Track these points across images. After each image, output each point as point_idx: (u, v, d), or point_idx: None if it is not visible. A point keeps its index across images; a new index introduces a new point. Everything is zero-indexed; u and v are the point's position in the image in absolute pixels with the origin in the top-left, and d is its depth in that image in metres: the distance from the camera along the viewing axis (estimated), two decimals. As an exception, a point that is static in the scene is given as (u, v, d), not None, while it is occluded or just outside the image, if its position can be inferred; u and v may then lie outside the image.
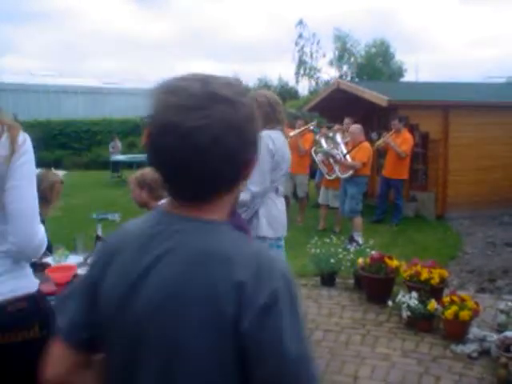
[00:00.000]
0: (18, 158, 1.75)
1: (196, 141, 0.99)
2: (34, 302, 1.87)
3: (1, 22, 62.00)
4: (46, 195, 3.29)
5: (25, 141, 1.79)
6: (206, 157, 1.00)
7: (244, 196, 3.55)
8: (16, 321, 1.79)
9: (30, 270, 1.94)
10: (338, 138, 8.12)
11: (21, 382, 1.83)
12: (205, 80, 1.03)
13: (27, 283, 1.88)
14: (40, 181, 1.86)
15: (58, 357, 1.17)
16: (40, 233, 1.86)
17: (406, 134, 8.78)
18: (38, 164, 1.93)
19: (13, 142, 1.74)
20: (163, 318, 1.02)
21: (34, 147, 1.86)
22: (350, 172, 7.46)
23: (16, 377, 1.82)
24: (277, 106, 3.67)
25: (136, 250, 1.09)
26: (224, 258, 1.02)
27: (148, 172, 3.80)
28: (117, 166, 15.54)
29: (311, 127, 9.17)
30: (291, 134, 8.57)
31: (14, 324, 1.79)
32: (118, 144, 16.42)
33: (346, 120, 8.97)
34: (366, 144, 7.67)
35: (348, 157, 7.67)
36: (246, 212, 3.55)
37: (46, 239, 1.91)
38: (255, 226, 3.58)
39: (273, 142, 3.60)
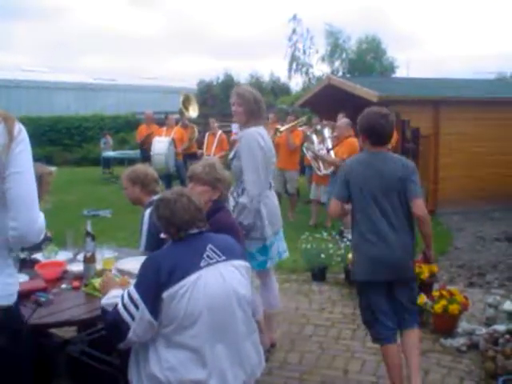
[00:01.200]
0: (16, 146, 1.79)
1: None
2: (9, 314, 1.87)
3: (-9, 17, 61.50)
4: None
5: (20, 130, 1.82)
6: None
7: (243, 199, 3.57)
8: None
9: (14, 279, 1.95)
10: (326, 132, 8.10)
11: None
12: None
13: (8, 294, 1.89)
14: None
15: (335, 205, 3.28)
16: (40, 218, 1.89)
17: (297, 131, 8.91)
18: None
19: (10, 131, 1.77)
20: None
21: None
22: (332, 168, 7.41)
23: None
24: (261, 102, 3.70)
25: (365, 166, 3.21)
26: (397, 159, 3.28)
27: (139, 168, 3.80)
28: (108, 163, 15.48)
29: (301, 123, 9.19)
30: (282, 128, 8.58)
31: None
32: (110, 140, 16.35)
33: (340, 115, 8.95)
34: (351, 140, 7.48)
35: (332, 152, 7.60)
36: (247, 214, 3.56)
37: (44, 225, 1.93)
38: (260, 228, 3.62)
39: (262, 138, 3.62)
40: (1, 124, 1.77)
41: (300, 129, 9.08)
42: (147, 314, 2.20)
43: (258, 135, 3.60)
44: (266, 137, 3.72)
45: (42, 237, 1.94)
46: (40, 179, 3.69)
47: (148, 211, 3.48)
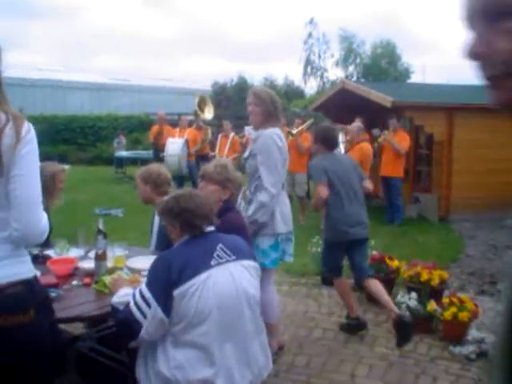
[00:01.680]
0: (23, 147, 1.79)
1: None
2: (31, 287, 1.89)
3: (9, 17, 62.15)
4: (47, 187, 3.30)
5: (29, 130, 1.83)
6: None
7: (263, 197, 3.57)
8: (11, 305, 1.82)
9: (28, 258, 1.97)
10: (340, 137, 8.08)
11: (6, 367, 1.85)
12: None
13: (24, 269, 1.91)
14: (40, 173, 1.89)
15: (324, 188, 4.16)
16: (43, 220, 1.90)
17: (403, 133, 8.95)
18: (43, 158, 1.97)
19: (18, 131, 1.77)
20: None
21: (39, 141, 1.89)
22: None
23: (3, 360, 1.83)
24: (277, 104, 3.71)
25: (333, 162, 4.28)
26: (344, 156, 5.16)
27: (153, 168, 3.81)
28: (121, 162, 15.57)
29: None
30: (294, 131, 8.60)
31: (9, 308, 1.81)
32: (123, 140, 16.44)
33: (357, 120, 8.89)
34: (362, 145, 7.45)
35: None
36: (264, 213, 3.57)
37: (48, 226, 1.94)
38: (271, 224, 3.63)
39: (280, 139, 3.65)
40: (10, 123, 1.77)
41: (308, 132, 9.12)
42: (160, 312, 2.22)
43: (276, 135, 3.61)
44: (283, 138, 3.74)
45: (44, 237, 1.95)
46: (53, 177, 3.74)
47: None
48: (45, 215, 1.93)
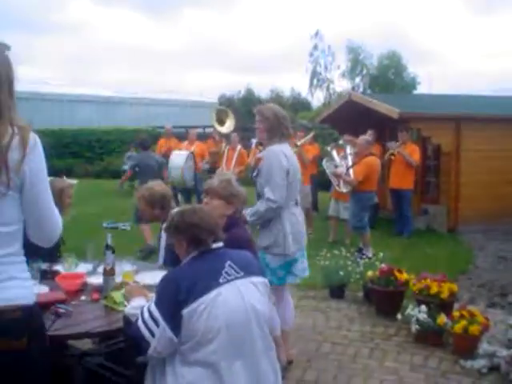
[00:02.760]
0: (31, 160, 1.81)
1: None
2: (29, 314, 1.87)
3: (18, 32, 62.82)
4: (55, 203, 3.30)
5: (35, 143, 1.83)
6: None
7: (260, 206, 3.58)
8: (6, 330, 1.79)
9: (30, 282, 1.96)
10: (348, 149, 8.07)
11: None
12: None
13: (25, 294, 1.89)
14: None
15: None
16: (58, 227, 1.96)
17: (413, 145, 8.95)
18: (50, 172, 1.97)
19: (24, 145, 1.78)
20: None
21: (47, 155, 1.90)
22: (349, 187, 7.40)
23: None
24: (283, 120, 3.71)
25: None
26: None
27: (156, 190, 3.76)
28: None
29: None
30: (299, 143, 8.61)
31: (3, 332, 1.79)
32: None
33: (369, 132, 8.79)
34: (369, 159, 7.38)
35: (351, 171, 7.54)
36: (258, 219, 3.60)
37: (61, 224, 1.99)
38: (282, 244, 3.62)
39: (286, 158, 3.64)
40: (17, 136, 1.77)
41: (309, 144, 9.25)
42: (168, 331, 2.21)
43: (281, 153, 3.62)
44: (290, 154, 3.74)
45: (56, 239, 2.01)
46: (61, 193, 3.75)
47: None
48: (59, 218, 1.97)
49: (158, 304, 2.27)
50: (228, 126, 10.27)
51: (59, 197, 3.67)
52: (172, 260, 3.13)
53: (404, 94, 20.24)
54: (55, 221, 1.95)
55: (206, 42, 73.03)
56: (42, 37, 75.22)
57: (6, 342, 1.79)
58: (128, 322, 2.41)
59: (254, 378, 2.33)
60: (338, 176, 7.72)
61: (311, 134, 9.47)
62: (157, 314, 2.24)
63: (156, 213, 3.70)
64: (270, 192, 3.57)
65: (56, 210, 1.96)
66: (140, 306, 2.40)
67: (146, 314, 2.28)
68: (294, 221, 3.73)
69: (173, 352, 2.27)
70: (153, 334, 2.23)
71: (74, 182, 4.06)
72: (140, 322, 2.28)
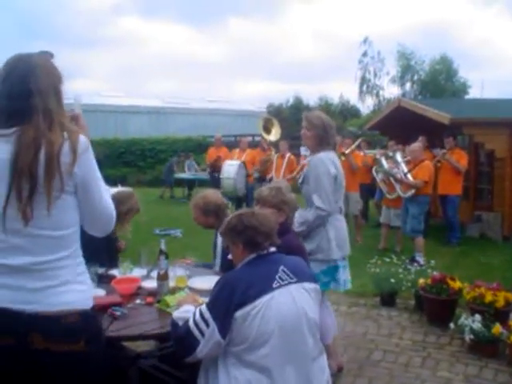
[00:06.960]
0: (82, 162, 1.85)
1: None
2: (85, 318, 1.90)
3: (73, 47, 65.17)
4: (120, 217, 3.42)
5: (86, 147, 1.87)
6: None
7: (309, 215, 3.60)
8: (63, 334, 1.84)
9: (87, 286, 1.99)
10: (399, 157, 8.05)
11: None
12: None
13: (81, 298, 1.91)
14: (119, 202, 1.97)
15: None
16: (112, 220, 2.02)
17: (460, 151, 8.82)
18: (104, 181, 2.03)
19: (74, 149, 1.81)
20: None
21: (101, 164, 1.98)
22: (412, 191, 7.36)
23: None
24: (330, 129, 3.73)
25: None
26: None
27: (210, 199, 3.85)
28: (180, 184, 15.89)
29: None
30: (347, 151, 8.64)
31: (62, 336, 1.84)
32: (194, 163, 16.64)
33: (420, 138, 8.75)
34: (427, 163, 7.54)
35: (409, 176, 7.56)
36: (305, 228, 3.61)
37: (115, 218, 2.04)
38: (326, 250, 3.63)
39: (334, 166, 3.66)
40: (67, 141, 1.81)
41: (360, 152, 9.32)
42: (217, 333, 2.25)
43: (328, 160, 3.63)
44: (337, 161, 3.75)
45: (110, 230, 2.06)
46: (128, 212, 3.87)
47: None
48: (112, 208, 2.01)
49: (210, 306, 2.33)
50: (274, 133, 10.37)
51: (125, 214, 3.78)
52: (229, 266, 3.19)
53: (455, 99, 19.79)
54: (110, 215, 2.00)
55: (252, 50, 73.74)
56: (94, 51, 77.66)
57: (63, 344, 1.84)
58: (175, 325, 2.45)
59: (305, 382, 2.35)
60: (399, 180, 7.68)
61: (358, 141, 9.48)
62: (208, 315, 2.29)
63: (210, 221, 3.79)
64: (319, 200, 3.58)
65: (111, 204, 2.00)
66: (188, 311, 2.46)
67: (198, 316, 2.33)
68: (339, 226, 3.72)
69: (226, 354, 2.32)
70: (202, 335, 2.28)
71: (130, 189, 4.19)
72: (191, 322, 2.33)
